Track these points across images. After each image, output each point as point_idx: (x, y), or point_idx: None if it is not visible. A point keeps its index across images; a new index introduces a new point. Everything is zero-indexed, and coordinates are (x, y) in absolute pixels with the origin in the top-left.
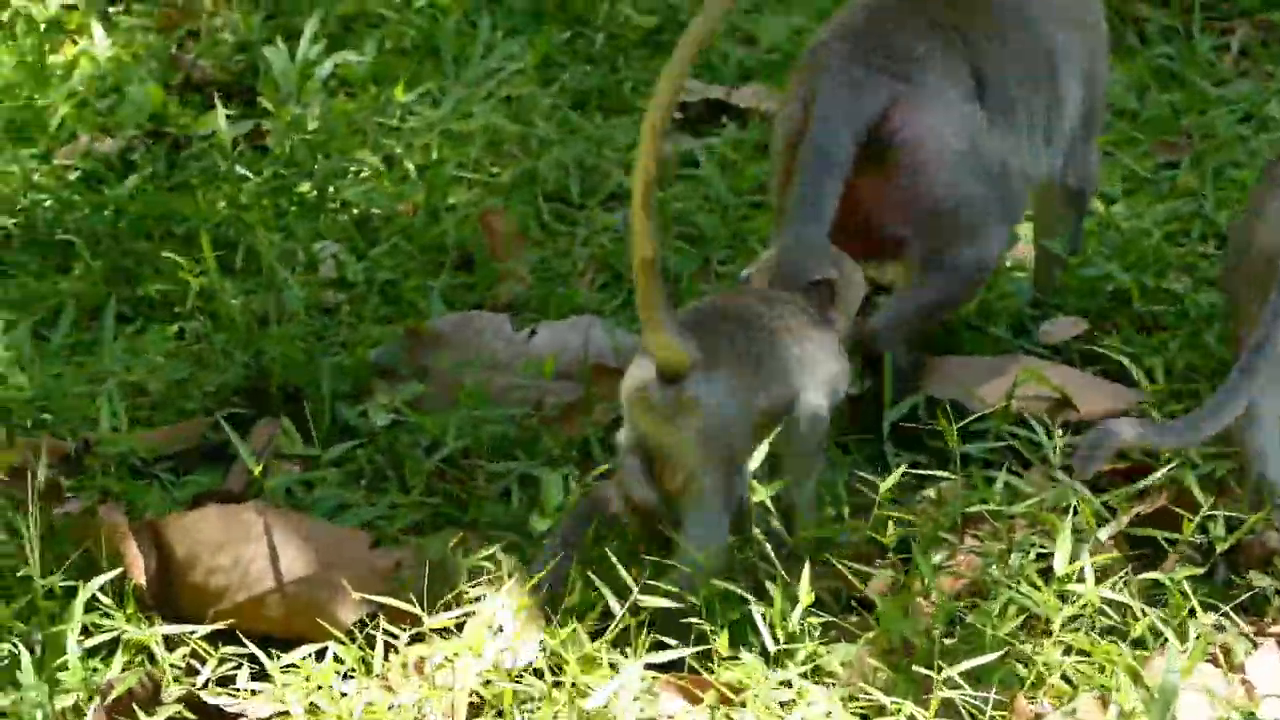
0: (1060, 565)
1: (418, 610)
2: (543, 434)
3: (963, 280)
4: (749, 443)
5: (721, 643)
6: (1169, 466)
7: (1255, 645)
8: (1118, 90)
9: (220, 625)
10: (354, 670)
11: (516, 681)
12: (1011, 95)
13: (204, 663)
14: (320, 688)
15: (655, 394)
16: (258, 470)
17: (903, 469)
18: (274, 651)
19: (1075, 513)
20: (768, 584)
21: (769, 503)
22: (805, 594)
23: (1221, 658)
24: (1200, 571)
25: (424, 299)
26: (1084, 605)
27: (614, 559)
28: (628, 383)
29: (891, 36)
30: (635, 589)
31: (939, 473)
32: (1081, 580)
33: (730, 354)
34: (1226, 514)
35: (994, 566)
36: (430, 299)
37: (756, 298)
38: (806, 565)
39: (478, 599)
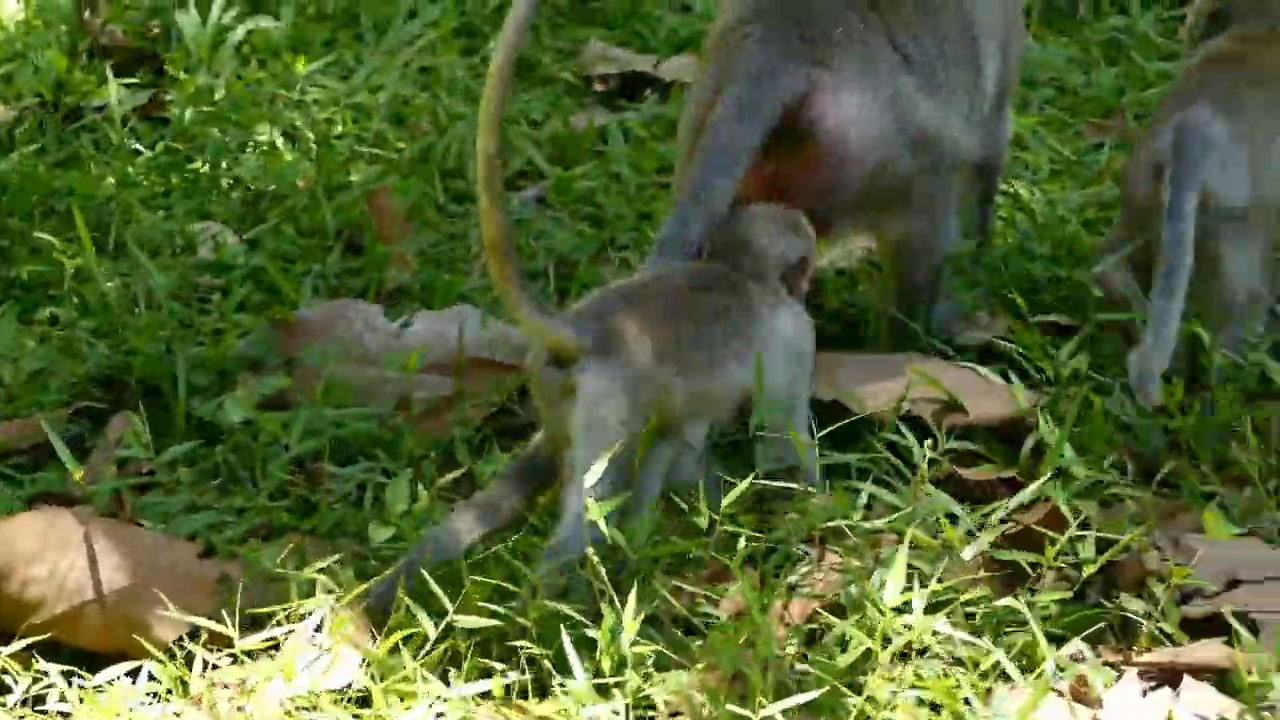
0: (891, 594)
1: (229, 630)
2: (406, 433)
3: (920, 264)
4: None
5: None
6: (1044, 479)
7: (1120, 676)
8: (1060, 63)
9: (38, 639)
10: (172, 691)
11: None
12: (935, 72)
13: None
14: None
15: (543, 377)
16: (78, 475)
17: (750, 479)
18: (79, 671)
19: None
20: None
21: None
22: (629, 619)
23: (1069, 693)
24: (1067, 595)
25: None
26: (915, 637)
27: (428, 576)
28: (527, 362)
29: (808, 17)
30: (451, 609)
31: (789, 484)
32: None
33: (636, 340)
34: (1099, 535)
35: (853, 586)
36: (303, 285)
37: (701, 276)
38: (635, 588)
39: (304, 615)
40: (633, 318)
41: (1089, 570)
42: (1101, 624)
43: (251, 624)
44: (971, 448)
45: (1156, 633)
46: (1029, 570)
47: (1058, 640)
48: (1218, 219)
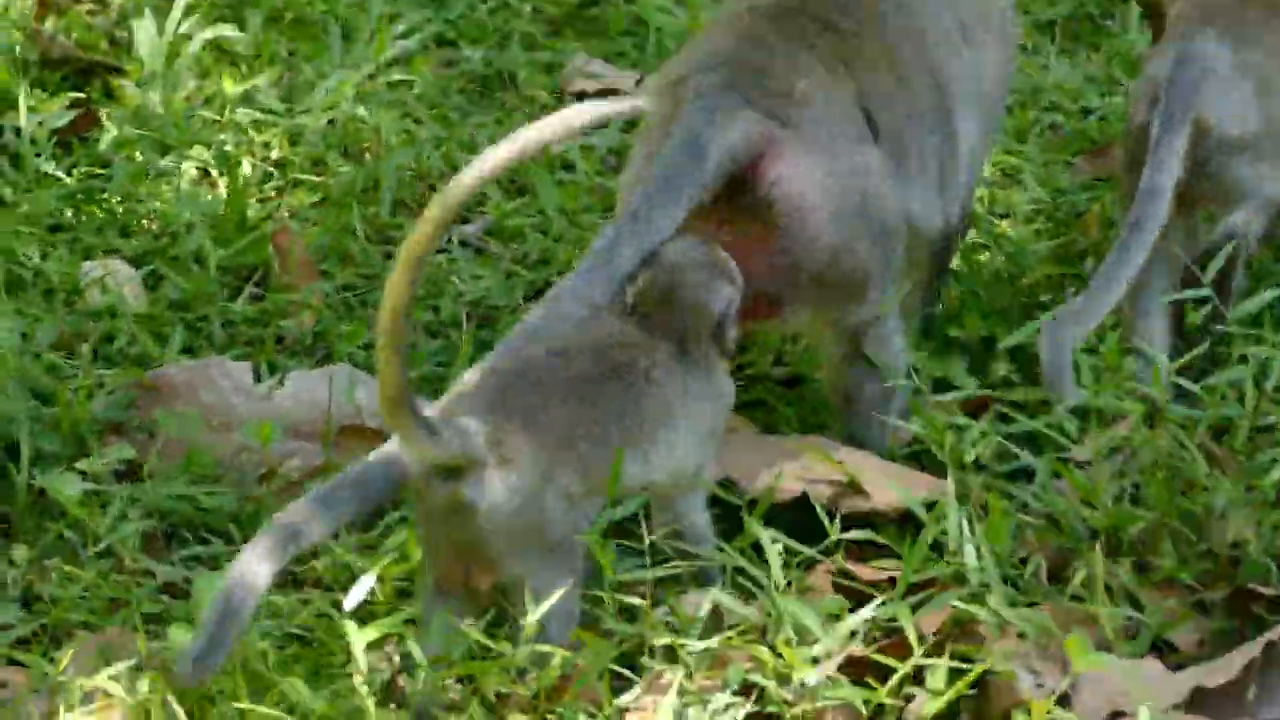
0: None
1: None
2: (265, 509)
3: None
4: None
5: None
6: (893, 597)
7: None
8: (1074, 86)
9: None
10: None
11: None
12: (904, 137)
13: None
14: None
15: (430, 488)
16: None
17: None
18: None
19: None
20: None
21: None
22: None
23: None
24: None
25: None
26: None
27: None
28: (409, 467)
29: (766, 69)
30: None
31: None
32: None
33: (535, 437)
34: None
35: (690, 711)
36: (171, 339)
37: (606, 349)
38: None
39: None
40: (527, 410)
41: (933, 708)
42: None
43: None
44: (874, 539)
45: None
46: (862, 710)
47: None
48: (1218, 150)
